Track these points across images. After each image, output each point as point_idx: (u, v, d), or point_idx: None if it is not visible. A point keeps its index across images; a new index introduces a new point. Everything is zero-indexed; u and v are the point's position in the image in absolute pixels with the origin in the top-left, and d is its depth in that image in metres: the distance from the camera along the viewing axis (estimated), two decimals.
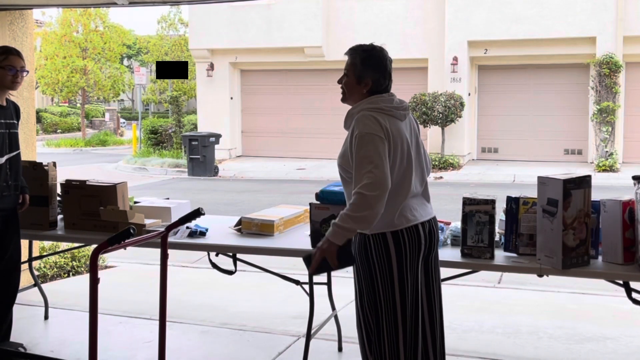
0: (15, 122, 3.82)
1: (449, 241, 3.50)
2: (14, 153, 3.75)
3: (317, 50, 18.01)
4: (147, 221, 3.88)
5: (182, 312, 4.77)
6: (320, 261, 2.65)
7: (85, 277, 5.77)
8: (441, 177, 14.86)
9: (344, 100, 2.88)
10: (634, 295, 3.16)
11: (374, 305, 2.75)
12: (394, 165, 2.68)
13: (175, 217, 3.97)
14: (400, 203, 2.71)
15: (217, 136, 16.64)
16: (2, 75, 3.67)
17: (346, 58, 2.85)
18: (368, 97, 2.78)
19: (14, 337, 3.98)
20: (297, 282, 3.78)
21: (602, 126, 16.04)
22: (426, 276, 2.80)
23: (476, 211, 3.17)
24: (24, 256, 4.21)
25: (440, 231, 3.37)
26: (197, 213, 3.15)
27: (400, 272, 2.70)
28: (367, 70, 2.78)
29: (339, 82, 2.87)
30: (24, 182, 3.88)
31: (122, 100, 45.22)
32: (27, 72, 3.83)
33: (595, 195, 3.09)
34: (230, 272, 3.88)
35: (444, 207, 9.05)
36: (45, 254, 5.62)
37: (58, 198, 4.15)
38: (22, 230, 3.91)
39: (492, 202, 3.16)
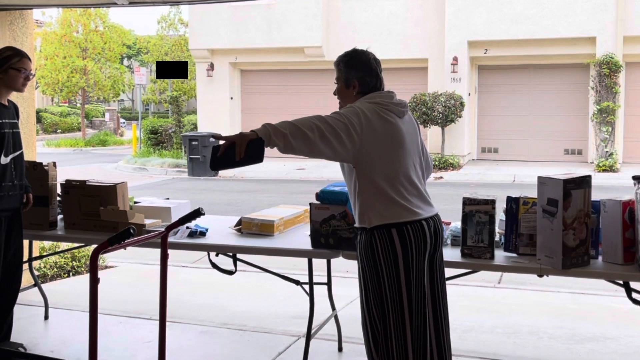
0: (17, 121, 3.83)
1: (449, 241, 3.50)
2: (18, 152, 3.75)
3: (317, 50, 18.02)
4: (147, 221, 3.88)
5: (182, 312, 4.77)
6: (228, 146, 2.63)
7: (85, 277, 5.77)
8: (441, 177, 14.85)
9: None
10: (634, 295, 3.16)
11: (381, 304, 2.73)
12: (392, 159, 2.71)
13: (175, 217, 3.97)
14: (402, 195, 2.71)
15: (218, 136, 16.66)
16: (15, 76, 3.68)
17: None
18: (364, 97, 2.82)
19: (14, 337, 3.98)
20: (297, 282, 3.78)
21: (602, 126, 16.04)
22: (431, 275, 2.80)
23: (476, 211, 3.17)
24: (25, 256, 4.21)
25: None
26: (197, 213, 3.15)
27: (407, 269, 2.69)
28: (351, 71, 2.85)
29: (334, 93, 2.95)
30: (27, 182, 3.89)
31: (122, 100, 45.25)
32: (34, 75, 3.85)
33: (595, 195, 3.09)
34: (230, 272, 3.88)
35: (444, 207, 9.04)
36: (45, 254, 5.62)
37: (58, 198, 4.15)
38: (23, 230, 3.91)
39: (492, 202, 3.16)
